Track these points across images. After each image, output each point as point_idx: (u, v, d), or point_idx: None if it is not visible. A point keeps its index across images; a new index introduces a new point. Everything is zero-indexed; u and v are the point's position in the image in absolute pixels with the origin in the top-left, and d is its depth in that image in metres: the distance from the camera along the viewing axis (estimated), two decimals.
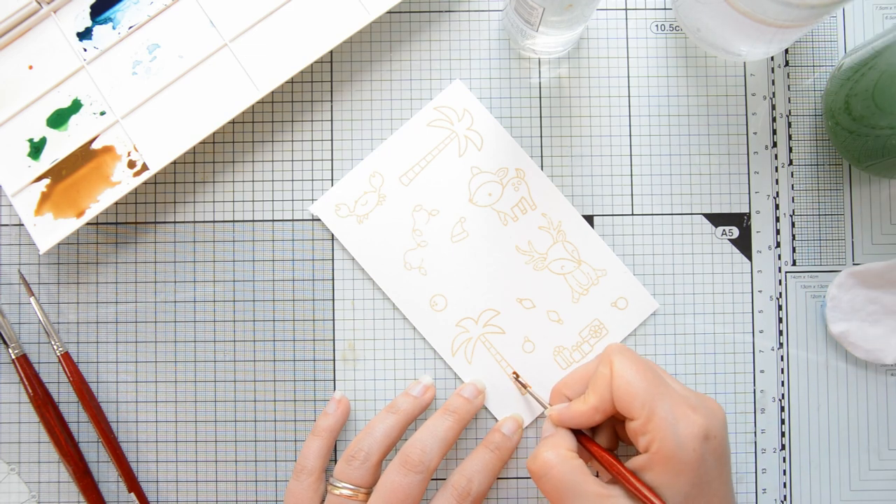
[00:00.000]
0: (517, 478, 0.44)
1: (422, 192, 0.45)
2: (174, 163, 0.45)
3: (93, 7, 0.43)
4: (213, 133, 0.43)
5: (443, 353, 0.44)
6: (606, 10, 0.46)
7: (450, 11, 0.46)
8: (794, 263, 0.45)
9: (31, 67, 0.43)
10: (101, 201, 0.42)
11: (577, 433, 0.39)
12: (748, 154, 0.45)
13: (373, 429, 0.41)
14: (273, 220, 0.45)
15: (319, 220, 0.45)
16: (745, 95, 0.45)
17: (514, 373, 0.44)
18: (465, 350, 0.44)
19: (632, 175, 0.45)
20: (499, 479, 0.44)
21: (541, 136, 0.45)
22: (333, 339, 0.45)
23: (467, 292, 0.44)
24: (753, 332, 0.45)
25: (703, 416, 0.36)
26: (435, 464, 0.40)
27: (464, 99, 0.45)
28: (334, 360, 0.45)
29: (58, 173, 0.42)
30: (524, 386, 0.43)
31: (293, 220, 0.45)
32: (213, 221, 0.45)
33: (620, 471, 0.36)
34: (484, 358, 0.44)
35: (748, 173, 0.45)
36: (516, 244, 0.44)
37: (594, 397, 0.38)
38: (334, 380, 0.45)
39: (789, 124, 0.45)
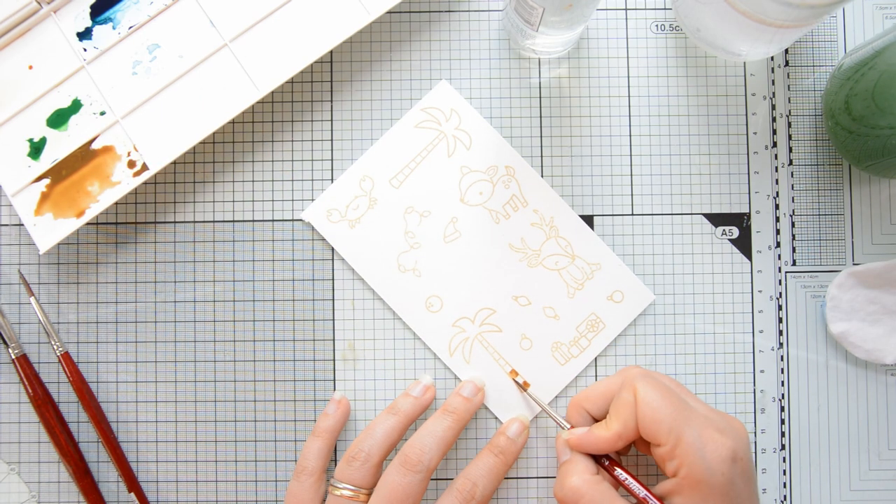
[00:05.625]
0: (517, 478, 0.44)
1: (412, 193, 0.45)
2: (174, 163, 0.45)
3: (93, 7, 0.43)
4: (213, 133, 0.43)
5: (440, 353, 0.44)
6: (606, 10, 0.46)
7: (450, 11, 0.46)
8: (794, 263, 0.45)
9: (31, 67, 0.43)
10: (101, 201, 0.42)
11: (599, 457, 0.40)
12: (748, 154, 0.45)
13: (373, 430, 0.41)
14: (273, 220, 0.45)
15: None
16: (745, 95, 0.45)
17: (513, 371, 0.44)
18: (463, 350, 0.44)
19: (632, 175, 0.45)
20: None
21: (541, 136, 0.45)
22: (333, 339, 0.45)
23: (462, 292, 0.44)
24: (753, 332, 0.45)
25: (730, 438, 0.36)
26: (434, 463, 0.40)
27: (450, 99, 0.45)
28: (334, 360, 0.45)
29: (58, 173, 0.42)
30: (523, 385, 0.43)
31: (293, 220, 0.45)
32: (213, 221, 0.45)
33: (648, 497, 0.37)
34: (482, 357, 0.44)
35: (748, 173, 0.45)
36: (509, 242, 0.44)
37: (617, 424, 0.38)
38: (334, 380, 0.45)
39: (789, 124, 0.45)
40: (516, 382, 0.44)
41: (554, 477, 0.44)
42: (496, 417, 0.44)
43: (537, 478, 0.44)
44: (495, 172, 0.45)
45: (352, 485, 0.40)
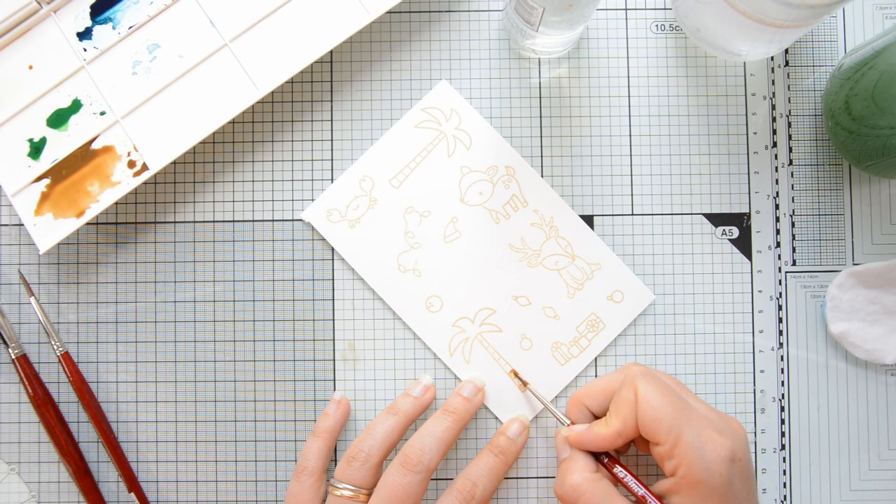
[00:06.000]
0: (517, 478, 0.44)
1: (412, 193, 0.45)
2: (174, 163, 0.45)
3: (93, 7, 0.43)
4: (213, 133, 0.43)
5: (440, 353, 0.44)
6: (606, 10, 0.46)
7: (450, 11, 0.46)
8: (794, 263, 0.45)
9: (31, 67, 0.43)
10: (101, 201, 0.42)
11: (598, 454, 0.40)
12: (748, 154, 0.45)
13: (373, 430, 0.41)
14: (273, 220, 0.45)
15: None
16: (745, 95, 0.45)
17: (513, 371, 0.44)
18: (463, 350, 0.44)
19: (632, 175, 0.45)
20: None
21: (541, 136, 0.45)
22: (333, 339, 0.45)
23: (462, 292, 0.44)
24: (753, 332, 0.45)
25: (729, 438, 0.36)
26: (434, 464, 0.40)
27: (450, 99, 0.45)
28: (334, 360, 0.45)
29: (58, 173, 0.42)
30: (523, 383, 0.43)
31: (293, 220, 0.45)
32: (213, 221, 0.45)
33: (647, 496, 0.37)
34: (482, 357, 0.44)
35: (748, 173, 0.45)
36: (509, 242, 0.44)
37: (617, 422, 0.38)
38: (334, 380, 0.45)
39: (789, 124, 0.45)
40: (520, 379, 0.43)
41: (554, 477, 0.44)
42: (496, 417, 0.44)
43: (537, 478, 0.44)
44: (495, 172, 0.45)
45: (352, 485, 0.40)
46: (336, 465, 0.43)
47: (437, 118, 0.45)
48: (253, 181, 0.45)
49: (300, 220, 0.45)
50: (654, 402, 0.37)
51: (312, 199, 0.45)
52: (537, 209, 0.45)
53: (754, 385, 0.45)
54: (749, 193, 0.45)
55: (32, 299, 0.44)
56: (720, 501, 0.35)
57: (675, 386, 0.39)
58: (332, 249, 0.45)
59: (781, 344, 0.45)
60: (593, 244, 0.44)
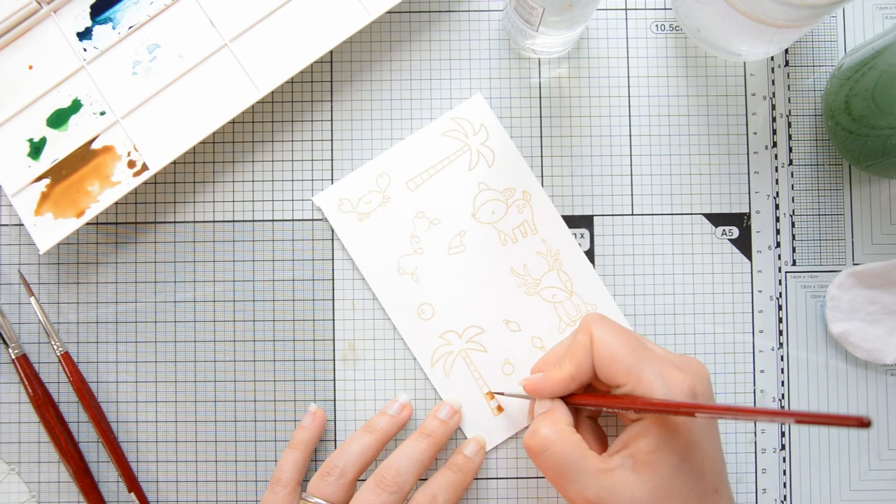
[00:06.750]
0: (517, 478, 0.44)
1: (426, 199, 0.45)
2: (174, 163, 0.45)
3: (93, 7, 0.43)
4: (213, 133, 0.43)
5: (422, 362, 0.44)
6: (606, 10, 0.46)
7: (450, 11, 0.46)
8: (794, 263, 0.45)
9: (31, 67, 0.43)
10: (101, 201, 0.42)
11: (566, 397, 0.38)
12: (748, 154, 0.45)
13: (349, 446, 0.41)
14: (273, 220, 0.45)
15: (320, 220, 0.45)
16: (745, 95, 0.45)
17: (489, 393, 0.44)
18: (445, 363, 0.44)
19: (632, 175, 0.45)
20: (498, 479, 0.44)
21: (541, 136, 0.45)
22: (333, 339, 0.45)
23: (455, 305, 0.44)
24: (753, 332, 0.45)
25: (689, 375, 0.35)
26: (409, 486, 0.40)
27: (482, 114, 0.45)
28: (334, 360, 0.45)
29: (58, 173, 0.42)
30: (497, 409, 0.43)
31: (293, 220, 0.45)
32: (213, 221, 0.45)
33: (634, 402, 0.34)
34: (462, 373, 0.44)
35: (748, 173, 0.45)
36: (512, 266, 0.44)
37: (570, 365, 0.37)
38: (334, 380, 0.45)
39: (789, 124, 0.45)
40: (500, 394, 0.43)
41: None
42: (466, 436, 0.44)
43: (537, 478, 0.44)
44: (511, 195, 0.45)
45: (324, 499, 0.40)
46: (310, 479, 0.43)
47: (466, 130, 0.45)
48: (253, 181, 0.45)
49: (300, 219, 0.45)
50: (611, 344, 0.36)
51: (312, 200, 0.45)
52: (545, 239, 0.44)
53: (754, 385, 0.45)
54: (749, 193, 0.45)
55: (32, 299, 0.44)
56: (687, 436, 0.34)
57: (633, 332, 0.38)
58: (333, 249, 0.45)
59: (781, 344, 0.45)
60: (593, 284, 0.44)
